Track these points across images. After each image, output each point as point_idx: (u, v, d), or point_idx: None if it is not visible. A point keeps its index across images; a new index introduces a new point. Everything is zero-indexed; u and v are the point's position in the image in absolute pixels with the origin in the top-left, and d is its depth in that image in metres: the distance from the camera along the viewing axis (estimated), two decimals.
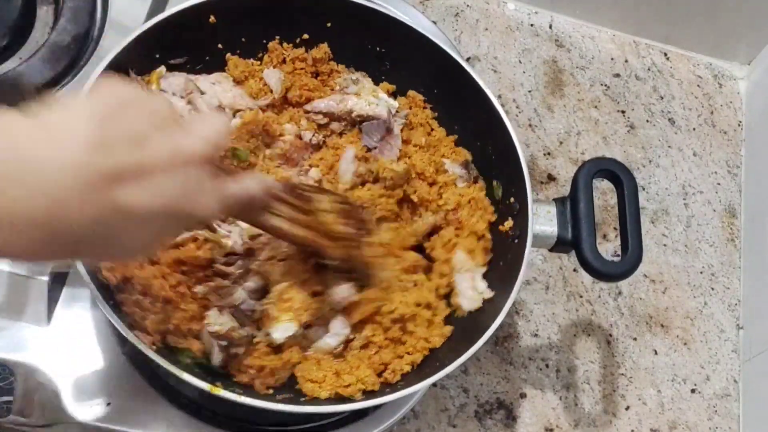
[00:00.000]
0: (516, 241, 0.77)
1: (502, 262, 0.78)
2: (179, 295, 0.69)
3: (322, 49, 0.84)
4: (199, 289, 0.71)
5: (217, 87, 0.79)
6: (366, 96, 0.82)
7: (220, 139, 0.51)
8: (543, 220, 0.77)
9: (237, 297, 0.72)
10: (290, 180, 0.78)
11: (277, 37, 0.83)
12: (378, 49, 0.84)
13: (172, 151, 0.47)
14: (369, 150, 0.83)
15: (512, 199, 0.79)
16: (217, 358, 0.70)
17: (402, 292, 0.75)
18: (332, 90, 0.85)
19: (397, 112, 0.83)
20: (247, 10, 0.81)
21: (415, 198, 0.80)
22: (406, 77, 0.85)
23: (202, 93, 0.78)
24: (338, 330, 0.73)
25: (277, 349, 0.72)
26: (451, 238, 0.79)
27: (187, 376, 0.63)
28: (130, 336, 0.63)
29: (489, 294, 0.75)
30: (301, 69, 0.84)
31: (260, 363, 0.70)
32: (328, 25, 0.83)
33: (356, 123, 0.83)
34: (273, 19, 0.82)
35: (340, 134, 0.83)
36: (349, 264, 0.73)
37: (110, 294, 0.68)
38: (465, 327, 0.76)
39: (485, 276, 0.78)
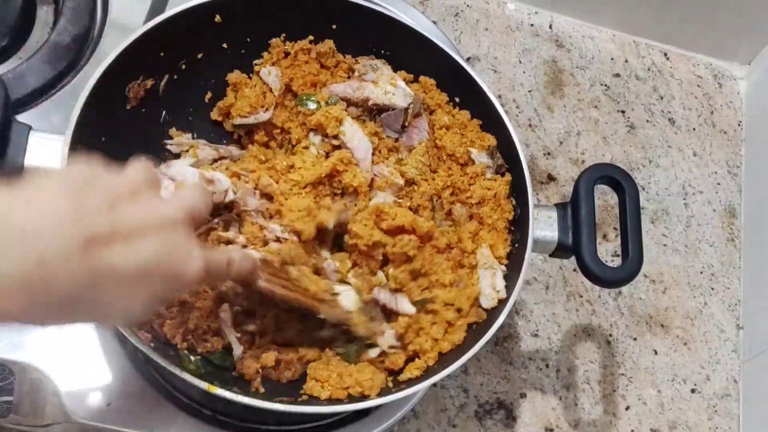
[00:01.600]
0: (516, 245, 0.77)
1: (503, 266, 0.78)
2: (194, 294, 0.70)
3: (327, 45, 0.84)
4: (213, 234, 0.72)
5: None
6: (383, 84, 0.82)
7: (196, 205, 0.55)
8: (544, 225, 0.76)
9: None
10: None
11: (283, 35, 0.83)
12: (383, 51, 0.84)
13: (146, 215, 0.51)
14: (396, 140, 0.83)
15: (514, 203, 0.79)
16: (237, 349, 0.70)
17: (443, 287, 0.75)
18: (345, 78, 0.84)
19: (414, 99, 0.83)
20: (253, 11, 0.80)
21: (449, 181, 0.80)
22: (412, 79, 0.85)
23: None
24: (390, 340, 0.74)
25: (289, 344, 0.73)
26: (477, 230, 0.78)
27: (185, 375, 0.63)
28: (127, 333, 0.63)
29: (504, 295, 0.75)
30: (305, 62, 0.83)
31: (275, 358, 0.70)
32: (334, 27, 0.83)
33: (372, 111, 0.83)
34: (279, 20, 0.82)
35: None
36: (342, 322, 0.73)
37: None
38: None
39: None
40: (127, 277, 0.49)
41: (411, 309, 0.74)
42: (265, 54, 0.84)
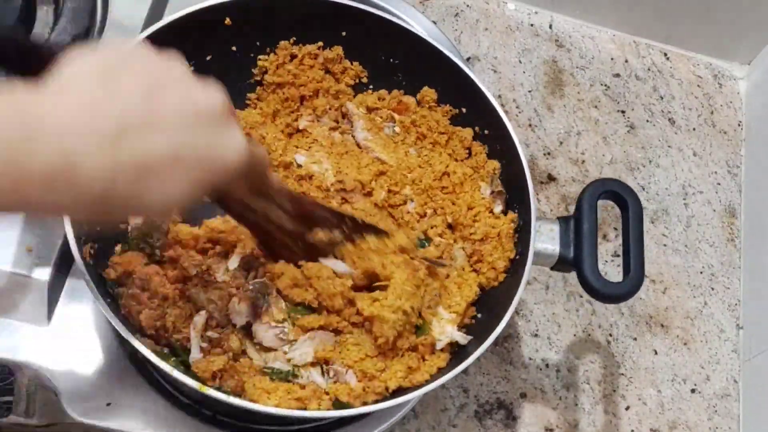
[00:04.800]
0: (518, 257, 0.77)
1: (502, 278, 0.78)
2: (178, 292, 0.70)
3: (336, 51, 0.84)
4: (193, 291, 0.70)
5: None
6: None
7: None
8: (545, 238, 0.76)
9: (235, 309, 0.71)
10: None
11: (293, 39, 0.83)
12: (391, 60, 0.85)
13: (185, 102, 0.48)
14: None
15: (516, 215, 0.79)
16: (196, 354, 0.69)
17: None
18: (351, 84, 0.85)
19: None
20: (265, 16, 0.80)
21: (450, 219, 0.80)
22: (419, 89, 0.85)
23: None
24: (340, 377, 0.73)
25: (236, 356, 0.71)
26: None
27: (177, 374, 0.63)
28: (121, 329, 0.63)
29: (464, 341, 0.74)
30: (310, 66, 0.83)
31: (217, 368, 0.69)
32: (343, 34, 0.83)
33: None
34: (289, 25, 0.82)
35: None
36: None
37: (107, 290, 0.68)
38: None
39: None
40: (161, 166, 0.46)
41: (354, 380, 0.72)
42: (271, 55, 0.83)
